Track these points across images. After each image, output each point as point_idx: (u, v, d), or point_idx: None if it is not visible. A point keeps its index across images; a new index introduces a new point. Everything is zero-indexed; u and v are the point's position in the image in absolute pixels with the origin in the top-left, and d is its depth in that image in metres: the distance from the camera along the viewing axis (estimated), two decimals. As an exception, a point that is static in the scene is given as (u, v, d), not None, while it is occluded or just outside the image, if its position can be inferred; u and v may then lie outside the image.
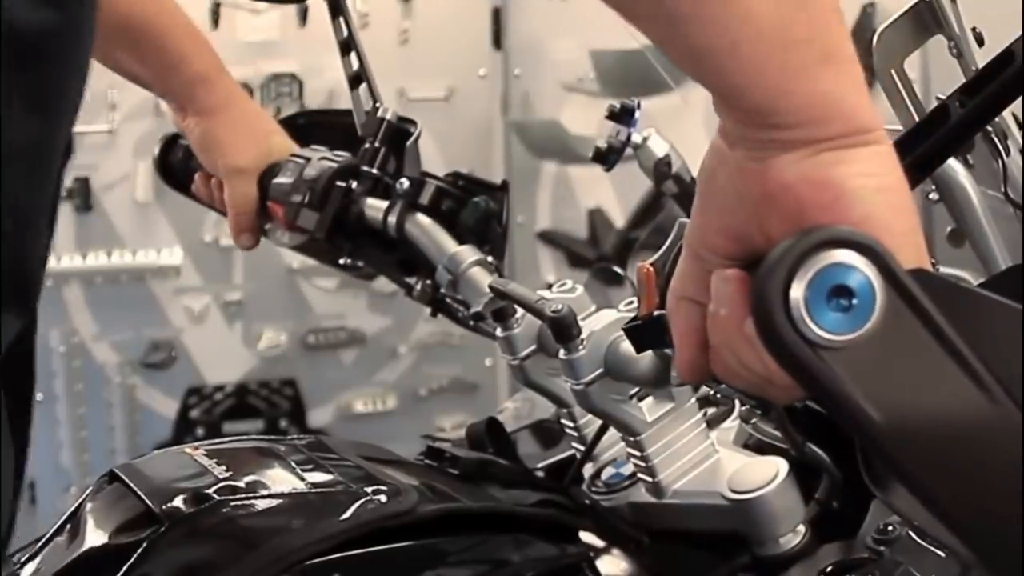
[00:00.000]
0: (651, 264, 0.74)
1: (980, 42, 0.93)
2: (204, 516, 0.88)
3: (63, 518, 0.95)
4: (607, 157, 1.07)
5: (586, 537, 1.01)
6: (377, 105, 1.31)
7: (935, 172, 0.90)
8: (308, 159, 1.31)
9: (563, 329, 0.94)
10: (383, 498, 0.91)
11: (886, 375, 0.57)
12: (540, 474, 1.13)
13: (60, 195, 0.71)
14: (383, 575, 0.90)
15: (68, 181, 3.16)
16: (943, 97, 0.77)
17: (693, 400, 0.99)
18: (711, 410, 1.08)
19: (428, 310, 1.26)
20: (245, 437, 1.10)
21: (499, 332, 1.04)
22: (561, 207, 3.43)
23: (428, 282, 1.23)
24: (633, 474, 1.02)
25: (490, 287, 1.03)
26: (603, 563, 1.00)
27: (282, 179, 1.32)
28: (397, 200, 1.24)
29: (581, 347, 0.94)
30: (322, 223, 1.28)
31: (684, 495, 0.98)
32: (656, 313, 0.73)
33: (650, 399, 0.97)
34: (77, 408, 3.21)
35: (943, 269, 0.95)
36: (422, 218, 1.23)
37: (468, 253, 1.14)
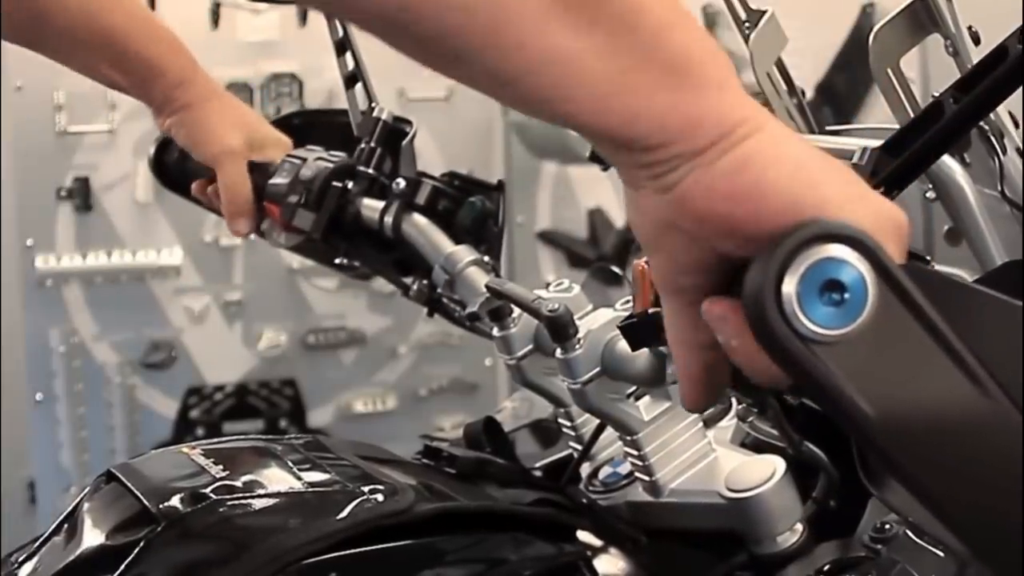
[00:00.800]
0: (646, 262, 0.74)
1: (976, 40, 0.93)
2: (201, 515, 0.88)
3: (60, 518, 0.95)
4: (605, 157, 1.07)
5: (583, 536, 1.01)
6: (373, 105, 1.31)
7: (932, 171, 0.90)
8: (304, 159, 1.31)
9: (560, 328, 0.94)
10: (380, 497, 0.91)
11: (879, 369, 0.57)
12: (538, 473, 1.13)
13: None
14: (380, 574, 0.90)
15: (68, 181, 3.16)
16: (938, 94, 0.77)
17: (690, 399, 0.99)
18: (708, 409, 1.08)
19: (427, 310, 1.26)
20: (242, 437, 1.10)
21: (496, 332, 1.04)
22: (561, 207, 3.43)
23: (425, 282, 1.23)
24: (630, 473, 1.02)
25: (486, 287, 1.03)
26: (600, 562, 1.00)
27: (278, 179, 1.32)
28: (393, 200, 1.24)
29: (578, 346, 0.94)
30: (318, 223, 1.28)
31: (681, 494, 0.98)
32: (651, 311, 0.73)
33: (647, 398, 0.97)
34: (77, 408, 3.21)
35: (940, 267, 0.95)
36: (418, 218, 1.23)
37: (464, 253, 1.14)
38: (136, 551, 0.86)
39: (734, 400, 1.08)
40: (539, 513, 0.99)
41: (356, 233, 1.29)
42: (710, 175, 0.60)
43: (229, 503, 0.89)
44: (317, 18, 2.89)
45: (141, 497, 0.90)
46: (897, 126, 0.89)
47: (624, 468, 1.04)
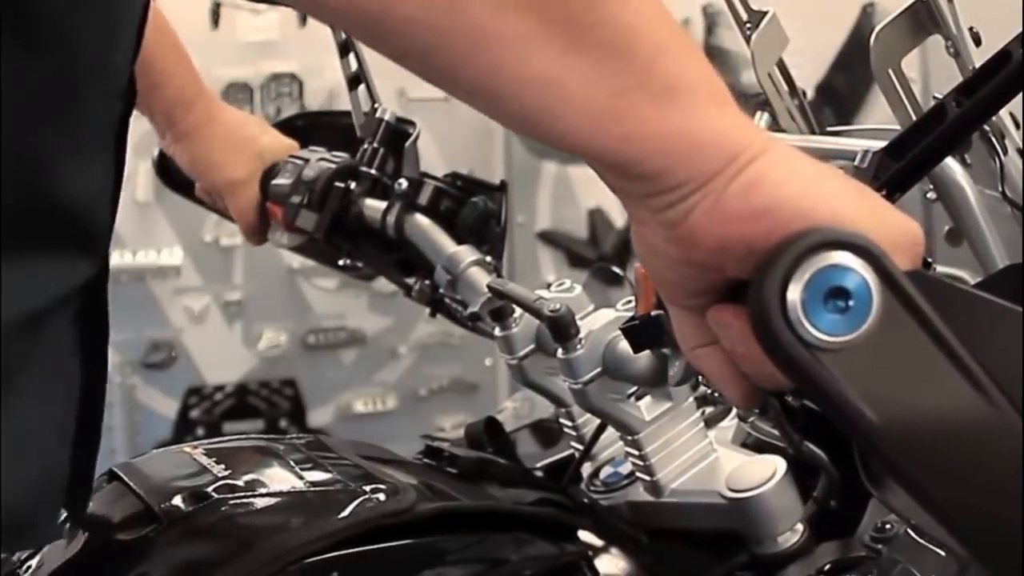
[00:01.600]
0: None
1: (977, 42, 0.93)
2: (203, 514, 0.88)
3: (62, 517, 0.95)
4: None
5: (584, 536, 1.02)
6: (376, 106, 1.31)
7: (933, 172, 0.90)
8: (307, 160, 1.31)
9: (561, 328, 0.94)
10: (381, 497, 0.91)
11: (883, 376, 0.57)
12: (539, 473, 1.13)
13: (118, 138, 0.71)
14: (381, 574, 0.90)
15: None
16: (940, 97, 0.77)
17: (691, 399, 0.99)
18: (709, 409, 1.08)
19: (428, 310, 1.27)
20: (244, 436, 1.10)
21: (497, 332, 1.05)
22: (561, 207, 3.43)
23: (427, 282, 1.23)
24: (631, 473, 1.03)
25: (488, 287, 1.03)
26: (601, 562, 1.00)
27: (281, 180, 1.32)
28: (396, 200, 1.24)
29: (579, 346, 0.94)
30: (321, 224, 1.28)
31: (682, 494, 0.98)
32: (653, 313, 0.73)
33: (648, 398, 0.97)
34: (77, 408, 3.21)
35: (941, 268, 0.96)
36: (421, 218, 1.23)
37: (466, 253, 1.15)
38: (138, 550, 0.86)
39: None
40: (540, 513, 0.99)
41: (358, 234, 1.29)
42: (721, 201, 0.59)
43: (231, 502, 0.90)
44: (318, 18, 2.90)
45: (143, 496, 0.90)
46: (898, 127, 0.89)
47: (625, 468, 1.04)
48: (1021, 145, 0.95)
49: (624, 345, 0.90)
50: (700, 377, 0.92)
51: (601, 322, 0.95)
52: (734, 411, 1.08)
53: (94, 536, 0.89)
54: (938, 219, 0.97)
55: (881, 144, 0.81)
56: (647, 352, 0.87)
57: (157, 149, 1.46)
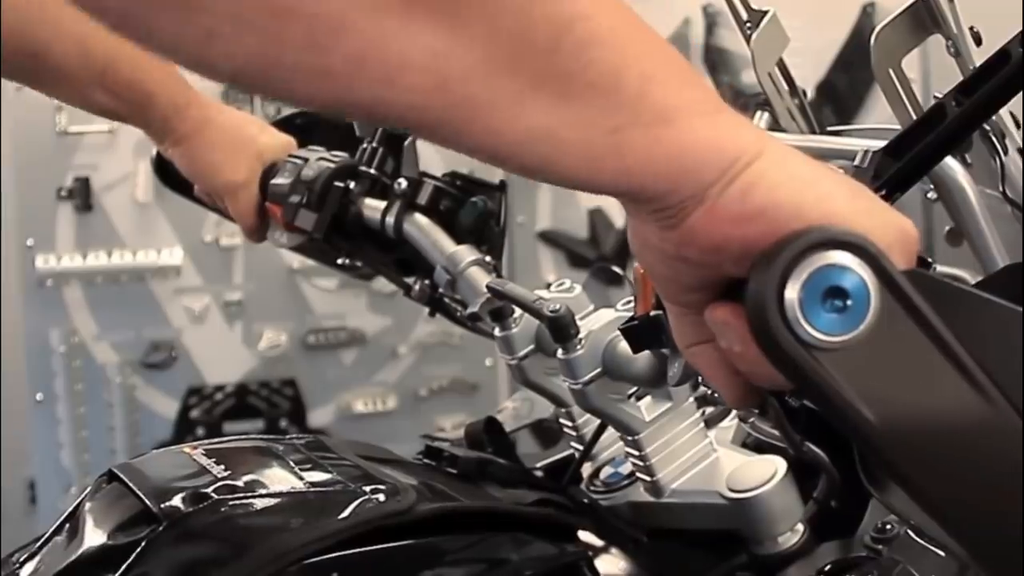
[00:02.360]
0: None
1: (978, 41, 0.93)
2: (202, 515, 0.88)
3: (62, 518, 0.95)
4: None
5: (585, 536, 1.02)
6: (375, 105, 1.31)
7: (933, 171, 0.90)
8: (306, 159, 1.31)
9: (561, 329, 0.94)
10: (381, 497, 0.91)
11: (881, 376, 0.57)
12: (539, 473, 1.13)
13: None
14: (381, 574, 0.90)
15: (68, 181, 3.16)
16: (940, 96, 0.77)
17: (691, 399, 0.99)
18: (709, 409, 1.08)
19: (428, 310, 1.26)
20: (244, 437, 1.10)
21: (497, 332, 1.05)
22: (561, 207, 3.43)
23: (426, 282, 1.23)
24: (631, 473, 1.02)
25: (487, 287, 1.03)
26: (601, 562, 1.00)
27: (280, 180, 1.32)
28: (395, 200, 1.24)
29: (579, 347, 0.94)
30: (320, 223, 1.28)
31: (682, 494, 0.98)
32: (653, 313, 0.73)
33: (648, 398, 0.97)
34: (77, 408, 3.21)
35: (941, 268, 0.95)
36: (420, 218, 1.23)
37: (466, 253, 1.14)
38: (138, 551, 0.86)
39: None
40: (540, 513, 0.99)
41: (358, 233, 1.29)
42: (718, 204, 0.59)
43: (231, 503, 0.89)
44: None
45: (142, 497, 0.90)
46: (898, 126, 0.89)
47: (625, 468, 1.04)
48: (1021, 145, 0.95)
49: (624, 345, 0.90)
50: (700, 377, 0.92)
51: (601, 322, 0.95)
52: (734, 411, 1.08)
53: (94, 536, 0.89)
54: (938, 219, 0.97)
55: (881, 144, 0.81)
56: (647, 352, 0.87)
57: (155, 148, 1.46)
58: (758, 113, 1.09)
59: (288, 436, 1.05)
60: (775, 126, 1.11)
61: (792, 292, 0.56)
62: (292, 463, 0.96)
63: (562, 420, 1.09)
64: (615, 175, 0.59)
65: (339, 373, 3.36)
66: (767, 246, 0.58)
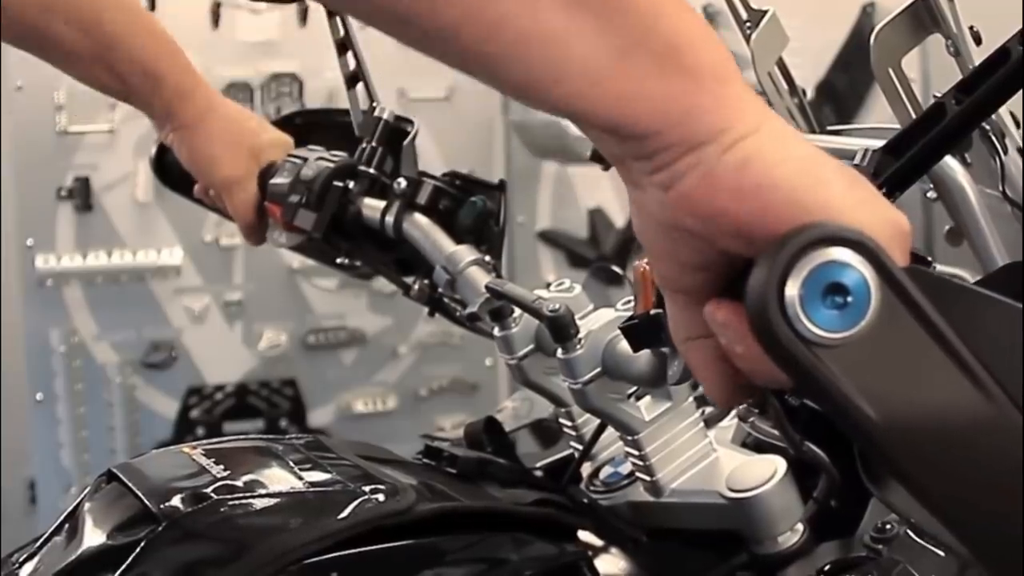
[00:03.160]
0: (647, 263, 0.74)
1: (977, 40, 0.93)
2: (202, 515, 0.88)
3: (61, 518, 0.95)
4: (606, 157, 1.07)
5: (584, 536, 1.01)
6: (374, 104, 1.31)
7: (933, 171, 0.90)
8: (305, 159, 1.31)
9: (561, 328, 0.94)
10: (381, 497, 0.91)
11: (882, 373, 0.57)
12: (538, 473, 1.13)
13: None
14: (381, 574, 0.90)
15: (68, 181, 3.16)
16: (940, 95, 0.77)
17: (691, 399, 0.99)
18: (709, 409, 1.08)
19: (428, 310, 1.26)
20: (244, 437, 1.10)
21: (497, 332, 1.04)
22: (561, 207, 3.43)
23: (426, 282, 1.23)
24: (631, 473, 1.02)
25: (487, 287, 1.03)
26: (601, 562, 1.00)
27: (279, 179, 1.32)
28: (394, 200, 1.24)
29: (579, 346, 0.94)
30: (319, 223, 1.28)
31: (682, 494, 0.98)
32: (652, 312, 0.73)
33: (648, 398, 0.97)
34: (77, 408, 3.21)
35: (941, 268, 0.95)
36: (420, 218, 1.23)
37: (465, 253, 1.14)
38: (137, 551, 0.86)
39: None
40: (540, 513, 0.99)
41: (357, 233, 1.29)
42: (714, 172, 0.59)
43: (230, 503, 0.89)
44: (317, 18, 2.89)
45: (142, 497, 0.90)
46: (898, 126, 0.89)
47: (625, 468, 1.04)
48: (1021, 144, 0.95)
49: (624, 345, 0.90)
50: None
51: (601, 322, 0.95)
52: (734, 411, 1.08)
53: (93, 536, 0.89)
54: (938, 219, 0.97)
55: (881, 143, 0.81)
56: (647, 352, 0.87)
57: (154, 148, 1.46)
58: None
59: (288, 436, 1.05)
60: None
61: (793, 289, 0.56)
62: (292, 463, 0.96)
63: (562, 420, 1.09)
64: (610, 101, 0.58)
65: (339, 373, 3.36)
66: (759, 228, 0.58)
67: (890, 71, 0.94)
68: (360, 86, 1.31)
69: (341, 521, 0.88)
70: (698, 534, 0.99)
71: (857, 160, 0.83)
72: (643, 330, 0.75)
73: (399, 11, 0.58)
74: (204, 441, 1.03)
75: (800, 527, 0.95)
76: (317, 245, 1.32)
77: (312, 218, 1.28)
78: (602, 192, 3.39)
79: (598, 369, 0.94)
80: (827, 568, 0.92)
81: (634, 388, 0.96)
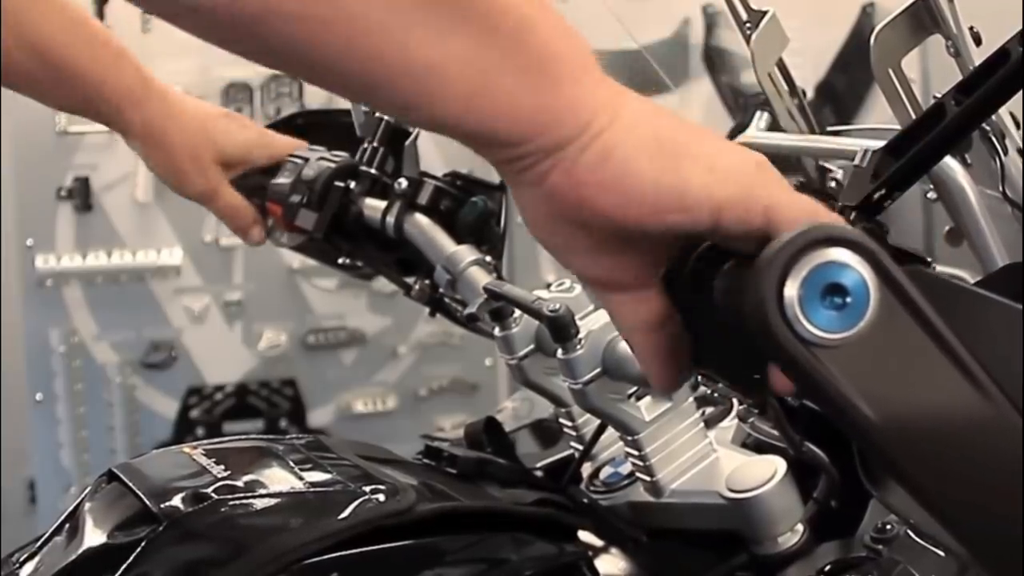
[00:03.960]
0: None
1: (977, 41, 0.93)
2: (202, 515, 0.88)
3: (61, 518, 0.95)
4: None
5: (584, 536, 1.01)
6: (375, 105, 1.31)
7: (933, 171, 0.90)
8: (306, 159, 1.31)
9: (561, 328, 0.94)
10: (381, 497, 0.91)
11: (881, 373, 0.57)
12: (539, 473, 1.13)
13: None
14: (381, 574, 0.90)
15: (68, 181, 3.16)
16: (940, 96, 0.77)
17: (691, 399, 0.99)
18: (709, 409, 1.08)
19: (428, 310, 1.27)
20: (244, 437, 1.10)
21: (497, 332, 1.05)
22: (561, 207, 3.42)
23: (427, 282, 1.23)
24: (631, 473, 1.02)
25: (485, 288, 1.03)
26: (601, 562, 1.00)
27: (280, 179, 1.32)
28: (395, 200, 1.24)
29: (579, 346, 0.94)
30: (320, 223, 1.28)
31: (682, 494, 0.98)
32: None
33: (648, 398, 0.97)
34: (77, 408, 3.21)
35: (941, 268, 0.95)
36: (420, 218, 1.23)
37: (466, 253, 1.14)
38: (137, 551, 0.86)
39: (735, 401, 1.08)
40: (540, 513, 0.99)
41: (358, 233, 1.29)
42: (576, 170, 0.61)
43: (230, 503, 0.89)
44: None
45: (142, 497, 0.90)
46: (898, 126, 0.89)
47: (625, 468, 1.04)
48: (1021, 145, 0.95)
49: (624, 345, 0.90)
50: (700, 377, 0.92)
51: (601, 322, 0.95)
52: (734, 411, 1.08)
53: (93, 536, 0.89)
54: (938, 219, 0.97)
55: (881, 144, 0.81)
56: (647, 352, 0.86)
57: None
58: (758, 113, 1.09)
59: (288, 436, 1.05)
60: (775, 126, 1.11)
61: (792, 289, 0.56)
62: (292, 463, 0.96)
63: (562, 420, 1.09)
64: (478, 117, 0.61)
65: (339, 373, 3.36)
66: (625, 217, 0.61)
67: (890, 71, 0.94)
68: (361, 86, 1.31)
69: (341, 521, 0.88)
70: (698, 534, 0.99)
71: (857, 161, 0.83)
72: (643, 330, 0.75)
73: (276, 47, 0.60)
74: (204, 441, 1.03)
75: (800, 527, 0.95)
76: (318, 245, 1.32)
77: (313, 218, 1.28)
78: (602, 192, 3.38)
79: (598, 369, 0.94)
80: (827, 568, 0.92)
81: (634, 388, 0.96)
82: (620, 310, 0.67)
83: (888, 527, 0.90)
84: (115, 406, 3.24)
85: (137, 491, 0.91)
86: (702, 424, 1.00)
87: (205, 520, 0.88)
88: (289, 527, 0.88)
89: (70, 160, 3.16)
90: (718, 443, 1.00)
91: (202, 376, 3.29)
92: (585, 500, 1.04)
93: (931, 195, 0.95)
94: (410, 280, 1.27)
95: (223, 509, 0.89)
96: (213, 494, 0.90)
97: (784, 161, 1.09)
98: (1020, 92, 0.78)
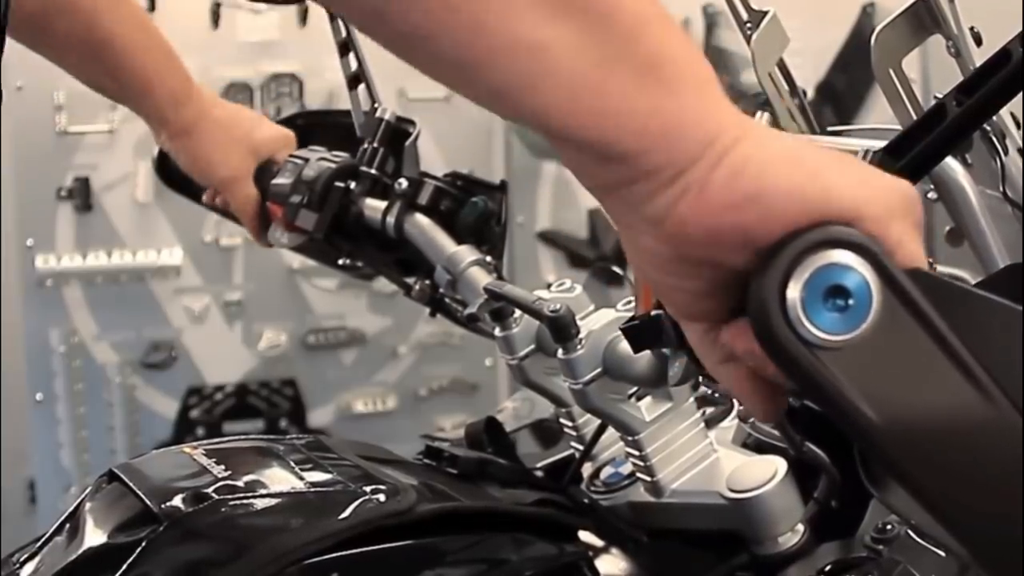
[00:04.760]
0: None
1: (978, 41, 0.93)
2: (203, 515, 0.88)
3: (62, 518, 0.95)
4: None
5: (585, 536, 1.01)
6: (376, 105, 1.31)
7: (934, 171, 0.90)
8: (307, 160, 1.31)
9: (561, 328, 0.94)
10: (382, 497, 0.91)
11: (883, 375, 0.57)
12: (539, 474, 1.13)
13: None
14: (381, 574, 0.90)
15: (68, 181, 3.16)
16: (940, 96, 0.77)
17: (691, 399, 0.99)
18: (709, 409, 1.08)
19: (428, 310, 1.27)
20: (244, 437, 1.10)
21: (497, 332, 1.05)
22: (561, 207, 3.43)
23: (427, 282, 1.23)
24: (632, 473, 1.02)
25: (485, 289, 1.03)
26: (602, 562, 1.00)
27: (281, 180, 1.32)
28: (396, 200, 1.24)
29: (579, 347, 0.94)
30: (321, 223, 1.28)
31: (683, 494, 0.98)
32: (653, 313, 0.73)
33: (648, 398, 0.97)
34: (77, 408, 3.21)
35: (942, 268, 0.95)
36: (421, 218, 1.23)
37: (467, 253, 1.14)
38: (138, 551, 0.86)
39: (735, 401, 1.08)
40: (540, 513, 0.99)
41: (359, 233, 1.29)
42: (707, 191, 0.57)
43: (231, 503, 0.89)
44: (317, 18, 2.89)
45: (143, 497, 0.90)
46: (898, 127, 0.89)
47: (626, 468, 1.04)
48: (1022, 145, 0.95)
49: (624, 345, 0.90)
50: (700, 377, 0.92)
51: (601, 322, 0.95)
52: (735, 411, 1.08)
53: (94, 537, 0.89)
54: (938, 219, 0.97)
55: (881, 144, 0.81)
56: (647, 352, 0.87)
57: (156, 149, 1.46)
58: (758, 113, 1.08)
59: (288, 436, 1.05)
60: (775, 126, 1.11)
61: (794, 291, 0.56)
62: (292, 463, 0.96)
63: (562, 420, 1.09)
64: (591, 117, 0.56)
65: (339, 373, 3.36)
66: (765, 234, 0.57)
67: (890, 72, 0.94)
68: (362, 87, 1.32)
69: (342, 521, 0.88)
70: (699, 534, 0.99)
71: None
72: (644, 331, 0.75)
73: (375, 6, 0.57)
74: (205, 441, 1.03)
75: (800, 528, 0.95)
76: (319, 245, 1.32)
77: (314, 218, 1.28)
78: (602, 192, 3.38)
79: (599, 369, 0.94)
80: (828, 568, 0.92)
81: (635, 388, 0.96)
82: (713, 344, 0.63)
83: (888, 527, 0.90)
84: (115, 406, 3.24)
85: (137, 491, 0.91)
86: (703, 424, 1.00)
87: (205, 520, 0.88)
88: (289, 527, 0.88)
89: (70, 160, 3.16)
90: (718, 443, 1.00)
91: (202, 376, 3.29)
92: (585, 500, 1.04)
93: (931, 195, 0.95)
94: (410, 280, 1.27)
95: (223, 509, 0.89)
96: (213, 494, 0.90)
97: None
98: (1021, 93, 0.78)
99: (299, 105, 3.18)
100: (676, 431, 0.98)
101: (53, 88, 3.07)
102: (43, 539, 0.95)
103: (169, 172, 1.46)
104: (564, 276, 1.16)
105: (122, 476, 0.94)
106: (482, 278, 1.11)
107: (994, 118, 0.92)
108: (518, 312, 1.03)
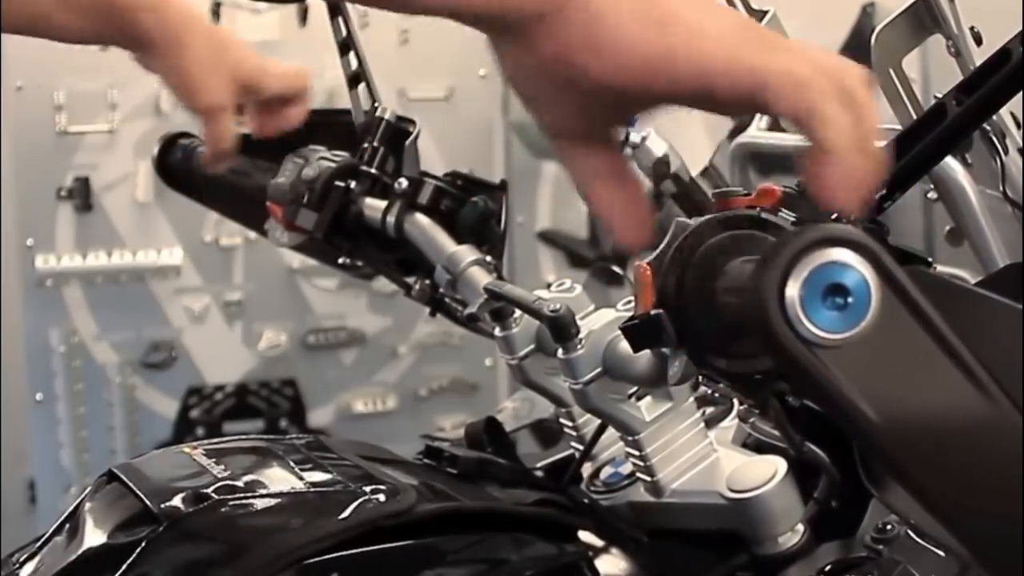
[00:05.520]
0: (648, 263, 0.74)
1: (978, 41, 0.93)
2: (202, 515, 0.88)
3: (62, 518, 0.95)
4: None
5: (585, 536, 1.01)
6: (376, 105, 1.31)
7: (934, 171, 0.90)
8: (306, 159, 1.31)
9: (561, 328, 0.94)
10: (381, 497, 0.91)
11: (882, 374, 0.57)
12: (539, 473, 1.13)
13: None
14: (381, 574, 0.90)
15: (68, 181, 3.16)
16: (940, 96, 0.77)
17: (691, 399, 0.99)
18: (710, 409, 1.08)
19: (428, 310, 1.27)
20: (244, 437, 1.10)
21: (497, 332, 1.05)
22: (561, 207, 3.43)
23: (427, 282, 1.23)
24: (632, 473, 1.02)
25: (485, 288, 1.03)
26: (602, 562, 1.00)
27: (280, 179, 1.32)
28: (396, 200, 1.24)
29: (579, 346, 0.94)
30: (321, 223, 1.28)
31: (683, 494, 0.98)
32: (653, 312, 0.73)
33: (648, 398, 0.97)
34: (77, 408, 3.21)
35: (942, 268, 0.95)
36: (421, 218, 1.23)
37: (467, 253, 1.14)
38: (138, 551, 0.86)
39: (736, 401, 1.08)
40: (540, 513, 0.99)
41: (358, 233, 1.29)
42: (568, 35, 0.62)
43: (231, 503, 0.89)
44: (317, 18, 2.89)
45: (143, 497, 0.90)
46: (899, 126, 0.89)
47: (625, 468, 1.04)
48: (1022, 144, 0.95)
49: (624, 345, 0.90)
50: (700, 377, 0.92)
51: (601, 322, 0.95)
52: (735, 411, 1.08)
53: (93, 537, 0.89)
54: (938, 219, 0.97)
55: (881, 144, 0.81)
56: (647, 352, 0.86)
57: (156, 148, 1.46)
58: (758, 113, 1.08)
59: (288, 436, 1.05)
60: (776, 125, 1.11)
61: (793, 290, 0.56)
62: (292, 463, 0.96)
63: (562, 420, 1.09)
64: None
65: (339, 373, 3.36)
66: (617, 82, 0.62)
67: (891, 71, 0.94)
68: (362, 86, 1.31)
69: (342, 521, 0.88)
70: (699, 534, 0.99)
71: (858, 161, 0.83)
72: (644, 330, 0.75)
73: None
74: (205, 441, 1.03)
75: (801, 527, 0.95)
76: (318, 245, 1.32)
77: (313, 218, 1.28)
78: (602, 192, 3.38)
79: (599, 369, 0.94)
80: (828, 568, 0.92)
81: (635, 388, 0.96)
82: (583, 162, 0.69)
83: (888, 527, 0.90)
84: (115, 406, 3.24)
85: (137, 491, 0.91)
86: (702, 424, 0.99)
87: (205, 520, 0.88)
88: (289, 527, 0.88)
89: (70, 160, 3.16)
90: (718, 443, 1.00)
91: (202, 376, 3.30)
92: (585, 500, 1.04)
93: (931, 195, 0.95)
94: (410, 280, 1.27)
95: (223, 509, 0.89)
96: (213, 494, 0.90)
97: (785, 161, 1.09)
98: (1021, 92, 0.78)
99: (299, 105, 3.17)
100: (676, 431, 0.98)
101: (53, 88, 3.07)
102: (43, 539, 0.95)
103: (169, 169, 1.45)
104: (564, 276, 1.16)
105: (122, 476, 0.94)
106: (482, 278, 1.11)
107: (994, 118, 0.92)
108: (518, 312, 1.03)
